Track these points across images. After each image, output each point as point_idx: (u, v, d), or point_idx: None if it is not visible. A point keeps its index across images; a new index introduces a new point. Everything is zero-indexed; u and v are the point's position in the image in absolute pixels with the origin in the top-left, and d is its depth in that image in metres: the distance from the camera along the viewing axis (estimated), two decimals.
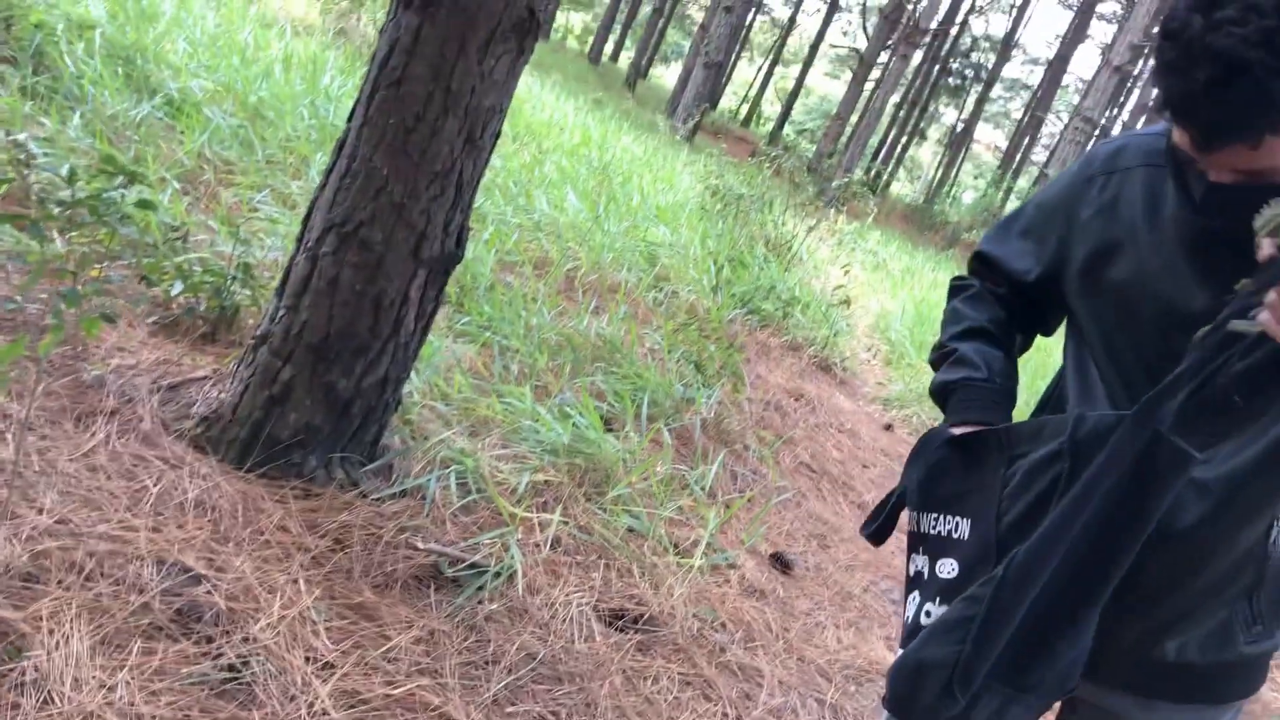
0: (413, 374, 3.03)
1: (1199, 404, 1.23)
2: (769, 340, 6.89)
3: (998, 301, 1.60)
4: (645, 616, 2.90)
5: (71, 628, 1.97)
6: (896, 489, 1.60)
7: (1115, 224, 1.35)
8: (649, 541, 3.29)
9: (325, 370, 2.65)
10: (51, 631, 1.94)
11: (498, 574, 2.67)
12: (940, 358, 1.59)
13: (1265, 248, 1.10)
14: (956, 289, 1.68)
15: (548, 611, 2.70)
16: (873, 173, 23.99)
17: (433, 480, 2.90)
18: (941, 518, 1.44)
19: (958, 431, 1.48)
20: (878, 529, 1.60)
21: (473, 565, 2.65)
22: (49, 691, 1.82)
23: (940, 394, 1.56)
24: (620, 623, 2.83)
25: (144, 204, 2.82)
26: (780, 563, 3.73)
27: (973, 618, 1.31)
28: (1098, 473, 1.25)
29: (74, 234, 3.02)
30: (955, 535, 1.42)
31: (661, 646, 2.83)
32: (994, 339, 1.56)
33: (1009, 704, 1.34)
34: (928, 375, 1.68)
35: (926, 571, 1.44)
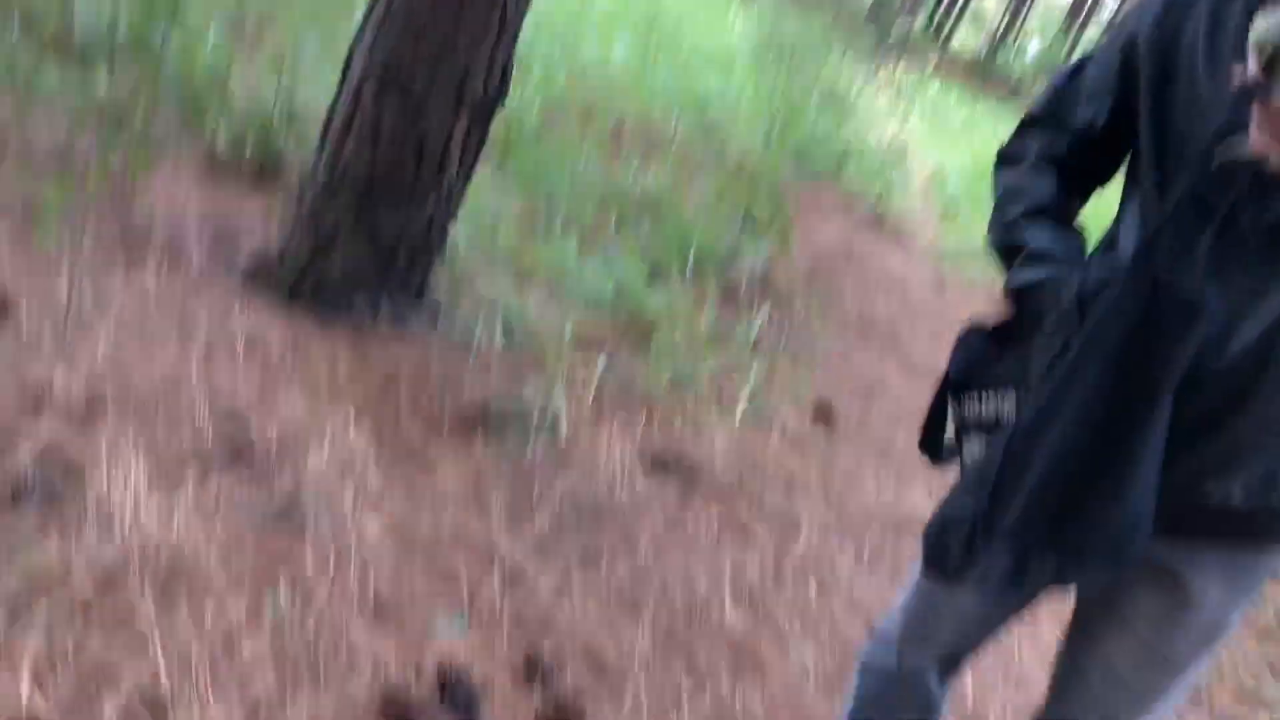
0: (458, 221, 3.02)
1: (1230, 245, 1.18)
2: (821, 194, 6.78)
3: (1056, 166, 1.50)
4: (687, 464, 2.94)
5: (129, 461, 2.04)
6: (940, 388, 1.55)
7: (1174, 54, 1.28)
8: (693, 392, 3.32)
9: (370, 213, 2.65)
10: (110, 465, 2.01)
11: (542, 419, 2.71)
12: (1010, 248, 1.48)
13: (1251, 64, 1.03)
14: (1008, 156, 1.57)
15: (591, 456, 2.75)
16: (935, 22, 23.09)
17: (479, 326, 2.93)
18: (988, 396, 1.42)
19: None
20: (929, 434, 1.55)
21: (519, 410, 2.69)
22: (110, 521, 1.90)
23: (1018, 297, 1.49)
24: (663, 469, 2.88)
25: (186, 47, 2.80)
26: (823, 416, 3.74)
27: (989, 470, 1.31)
28: (1098, 326, 1.22)
29: (117, 76, 3.02)
30: (1003, 412, 1.40)
31: (702, 492, 2.87)
32: (1062, 213, 1.49)
33: (1064, 569, 1.33)
34: (983, 232, 1.59)
35: (980, 452, 1.43)
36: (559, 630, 2.13)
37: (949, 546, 1.37)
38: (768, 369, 3.74)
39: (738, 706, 2.17)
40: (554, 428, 2.71)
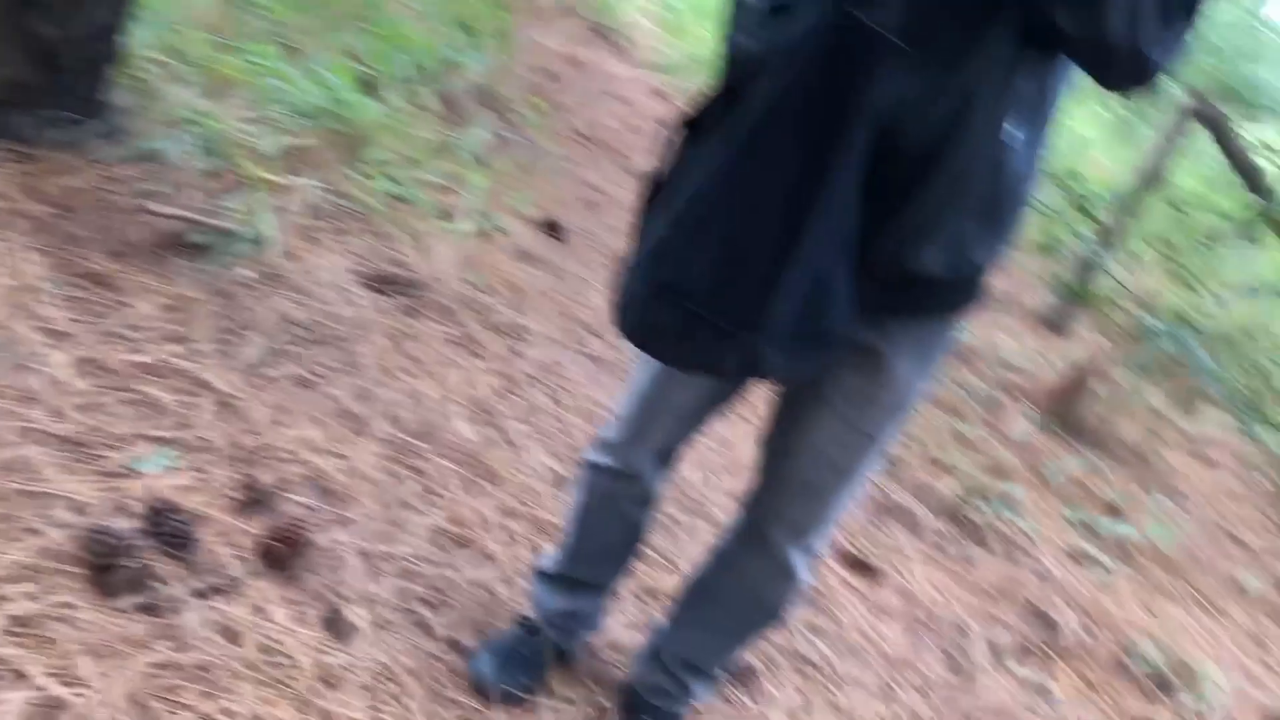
0: (138, 26, 2.72)
1: (925, 4, 1.20)
2: (542, 1, 6.57)
3: None
4: (410, 281, 2.86)
5: None
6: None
7: None
8: (413, 207, 3.20)
9: (26, 17, 2.33)
10: None
11: (249, 240, 2.54)
12: None
13: None
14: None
15: (306, 277, 2.61)
16: None
17: (169, 142, 2.68)
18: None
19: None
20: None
21: (221, 231, 2.51)
22: None
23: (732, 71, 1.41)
24: (384, 287, 2.78)
25: None
26: (551, 228, 3.72)
27: (674, 221, 1.27)
28: (789, 63, 1.20)
29: None
30: None
31: (427, 309, 2.81)
32: None
33: (761, 349, 1.30)
34: (706, 44, 1.54)
35: None
36: (278, 457, 2.05)
37: (643, 312, 1.33)
38: (492, 181, 3.65)
39: (471, 515, 2.18)
40: (262, 248, 2.55)
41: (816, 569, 1.69)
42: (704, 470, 2.79)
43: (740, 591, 1.71)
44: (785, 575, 1.63)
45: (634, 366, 1.65)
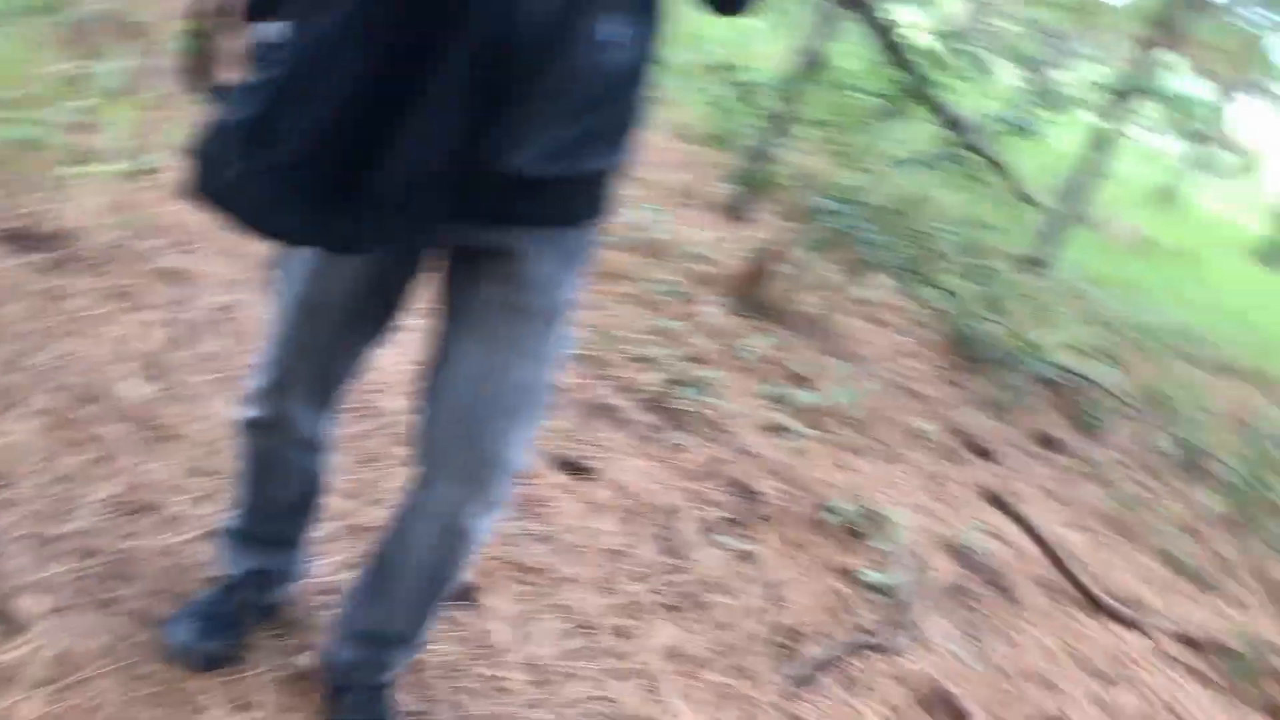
0: None
1: None
2: None
3: None
4: (53, 234, 2.61)
5: None
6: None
7: None
8: (46, 152, 2.90)
9: None
10: None
11: None
12: None
13: None
14: None
15: None
16: None
17: None
18: (285, 27, 1.20)
19: None
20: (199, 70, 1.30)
21: None
22: None
23: None
24: (23, 245, 2.52)
25: None
26: None
27: (276, 77, 1.16)
28: None
29: None
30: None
31: (78, 263, 2.58)
32: None
33: (358, 227, 1.23)
34: None
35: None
36: None
37: (225, 162, 1.18)
38: (139, 116, 3.36)
39: (151, 479, 2.05)
40: None
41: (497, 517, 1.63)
42: (409, 398, 2.75)
43: (415, 563, 1.60)
44: (460, 538, 1.55)
45: (271, 310, 1.55)
